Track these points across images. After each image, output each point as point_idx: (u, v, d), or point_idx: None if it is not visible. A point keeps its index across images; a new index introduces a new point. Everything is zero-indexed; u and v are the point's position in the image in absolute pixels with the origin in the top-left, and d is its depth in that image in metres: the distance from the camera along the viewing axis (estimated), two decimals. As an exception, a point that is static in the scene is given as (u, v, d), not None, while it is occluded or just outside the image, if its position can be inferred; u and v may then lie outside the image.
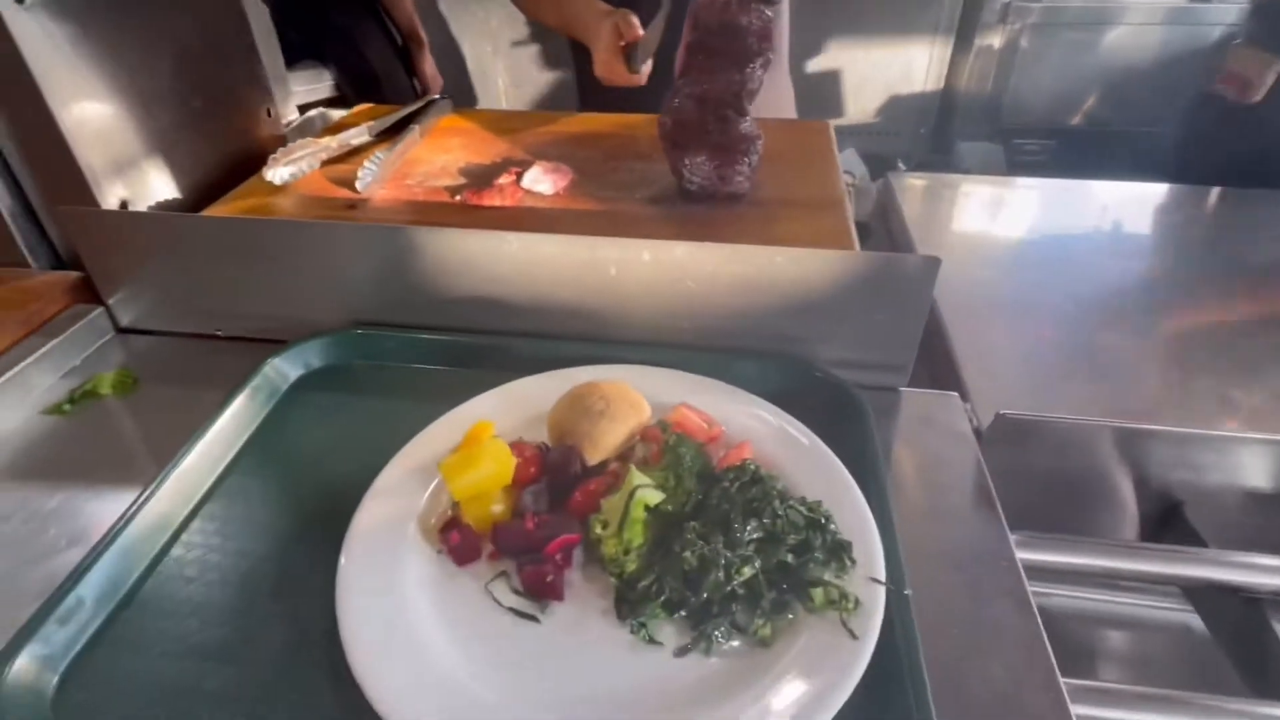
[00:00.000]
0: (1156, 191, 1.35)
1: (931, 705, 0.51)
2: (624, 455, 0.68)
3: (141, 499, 0.64)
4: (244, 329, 0.89)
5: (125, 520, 0.63)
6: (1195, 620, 0.82)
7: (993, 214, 1.29)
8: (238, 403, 0.75)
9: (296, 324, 0.86)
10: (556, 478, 0.65)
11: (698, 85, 0.98)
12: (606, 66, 1.13)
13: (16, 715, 0.52)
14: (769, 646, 0.55)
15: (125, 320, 0.91)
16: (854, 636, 0.54)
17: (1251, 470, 0.76)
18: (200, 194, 1.03)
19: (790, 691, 0.52)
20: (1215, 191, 1.32)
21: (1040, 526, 0.82)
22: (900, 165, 2.75)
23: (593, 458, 0.66)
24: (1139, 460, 0.76)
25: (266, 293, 0.86)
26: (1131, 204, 1.31)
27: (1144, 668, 0.81)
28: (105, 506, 0.68)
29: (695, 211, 0.99)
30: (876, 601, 0.56)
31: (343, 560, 0.60)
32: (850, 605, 0.55)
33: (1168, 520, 0.79)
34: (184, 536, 0.65)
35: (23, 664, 0.54)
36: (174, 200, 0.99)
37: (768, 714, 0.51)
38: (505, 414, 0.73)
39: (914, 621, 0.55)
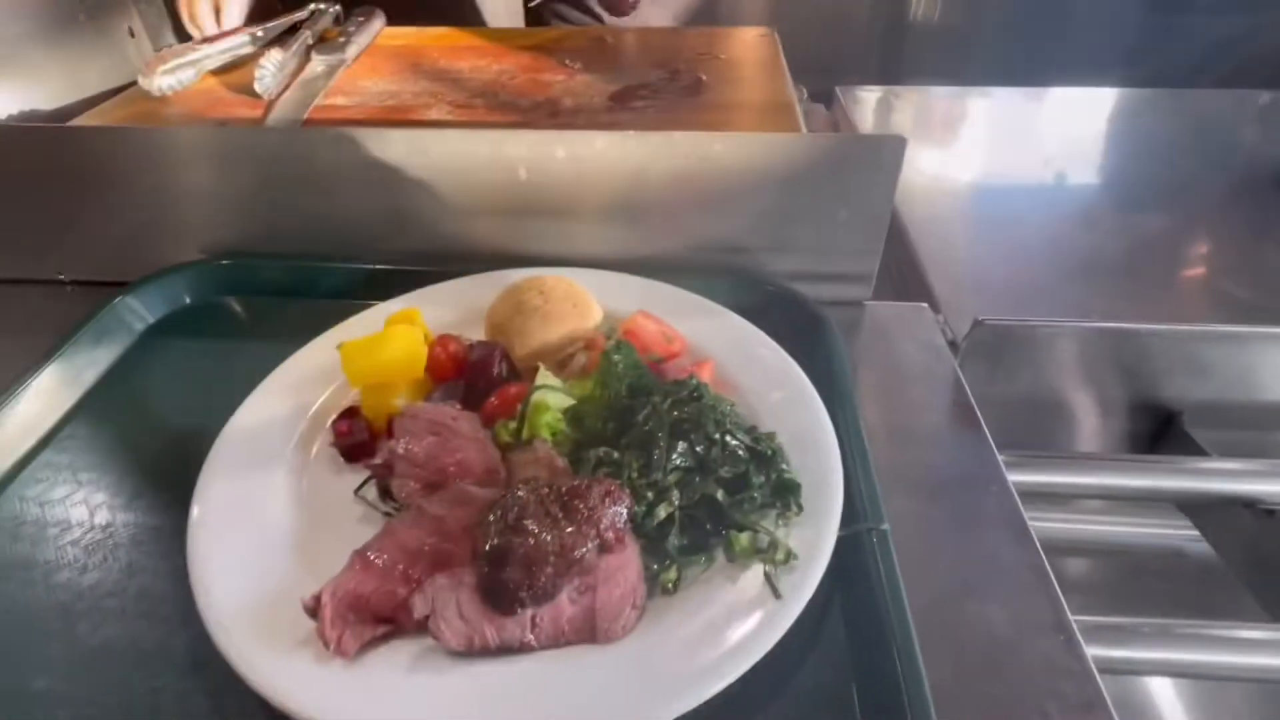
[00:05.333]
0: (1117, 96, 1.27)
1: (919, 656, 0.41)
2: (562, 363, 0.58)
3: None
4: (92, 271, 0.74)
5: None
6: (1188, 543, 0.75)
7: (951, 125, 1.19)
8: (77, 347, 0.62)
9: (156, 263, 0.72)
10: (476, 378, 0.56)
11: None
12: None
13: None
14: (671, 595, 0.45)
15: (-59, 265, 0.76)
16: (777, 595, 0.43)
17: (1253, 373, 0.68)
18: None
19: (681, 653, 0.41)
20: (1172, 93, 1.25)
21: (1024, 450, 0.74)
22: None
23: (518, 356, 0.57)
24: (1131, 366, 0.67)
25: (112, 224, 0.72)
26: (1090, 109, 1.24)
27: (1139, 596, 0.74)
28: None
29: (624, 118, 0.86)
30: (817, 559, 0.45)
31: (214, 450, 0.52)
32: (779, 557, 0.45)
33: (1164, 434, 0.71)
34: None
35: None
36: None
37: (646, 679, 0.40)
38: (445, 308, 0.64)
39: (894, 559, 0.46)
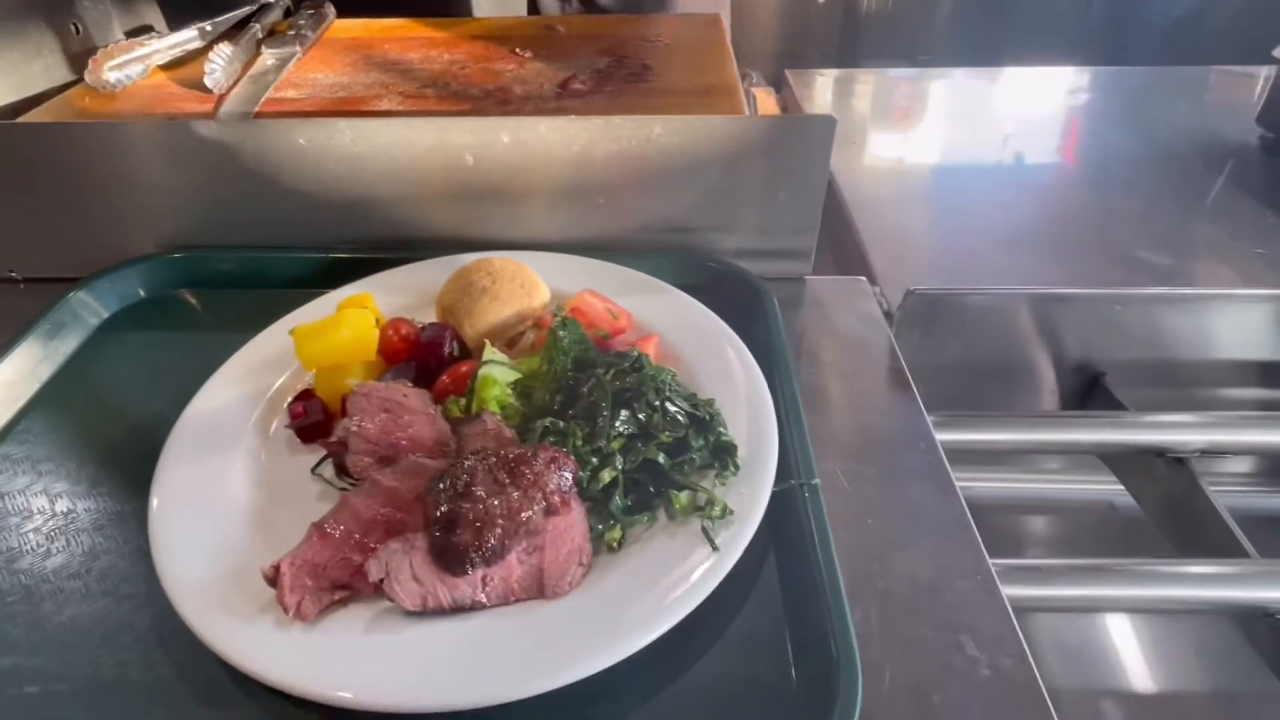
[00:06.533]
0: (1056, 75, 1.31)
1: (845, 601, 0.44)
2: (512, 342, 0.60)
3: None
4: (45, 267, 0.75)
5: None
6: (1118, 496, 0.80)
7: (895, 106, 1.22)
8: (31, 343, 0.63)
9: (110, 258, 0.72)
10: (428, 358, 0.58)
11: None
12: None
13: None
14: (616, 552, 0.48)
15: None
16: (714, 548, 0.46)
17: (1168, 333, 0.72)
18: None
19: (625, 604, 0.44)
20: (1106, 71, 1.30)
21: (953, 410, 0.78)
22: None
23: (468, 336, 0.59)
24: (1057, 329, 0.71)
25: (64, 220, 0.72)
26: (1030, 88, 1.28)
27: (1068, 548, 0.78)
28: None
29: (572, 105, 0.88)
30: (752, 514, 0.48)
31: (173, 434, 0.54)
32: (716, 513, 0.48)
33: (1089, 393, 0.75)
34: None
35: None
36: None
37: (592, 629, 0.43)
38: (397, 293, 0.66)
39: (824, 511, 0.49)
